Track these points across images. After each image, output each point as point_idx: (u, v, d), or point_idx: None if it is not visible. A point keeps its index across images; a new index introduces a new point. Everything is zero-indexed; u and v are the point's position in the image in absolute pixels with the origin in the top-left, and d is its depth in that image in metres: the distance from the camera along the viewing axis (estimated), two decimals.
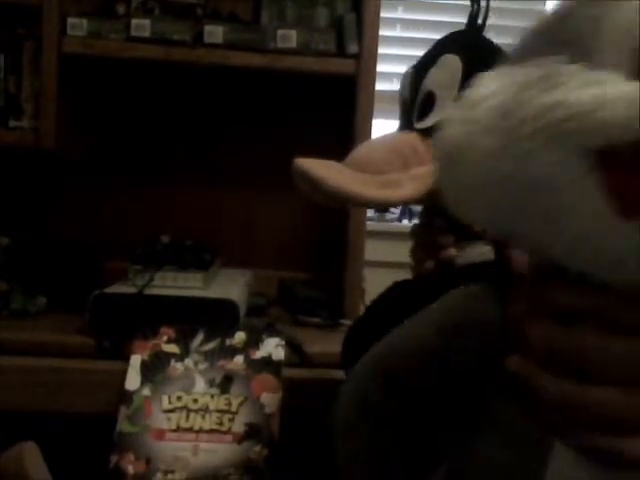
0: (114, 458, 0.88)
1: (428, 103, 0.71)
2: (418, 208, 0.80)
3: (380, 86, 1.23)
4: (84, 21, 1.21)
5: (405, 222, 1.73)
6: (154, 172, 1.42)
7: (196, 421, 0.90)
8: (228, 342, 0.97)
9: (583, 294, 0.38)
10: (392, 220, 1.77)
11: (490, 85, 0.39)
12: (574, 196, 0.35)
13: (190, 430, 0.89)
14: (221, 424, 0.90)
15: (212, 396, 0.92)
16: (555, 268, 0.39)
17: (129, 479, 0.87)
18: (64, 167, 1.38)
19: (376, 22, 1.23)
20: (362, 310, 0.90)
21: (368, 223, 1.30)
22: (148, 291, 1.04)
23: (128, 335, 0.97)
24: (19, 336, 1.03)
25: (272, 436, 0.89)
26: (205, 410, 0.91)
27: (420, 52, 0.75)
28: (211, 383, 0.93)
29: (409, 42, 1.74)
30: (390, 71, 1.66)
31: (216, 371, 0.94)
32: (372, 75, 1.23)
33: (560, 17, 0.40)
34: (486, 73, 0.39)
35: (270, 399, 0.91)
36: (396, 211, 1.76)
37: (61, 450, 0.84)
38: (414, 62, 0.75)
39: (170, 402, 0.91)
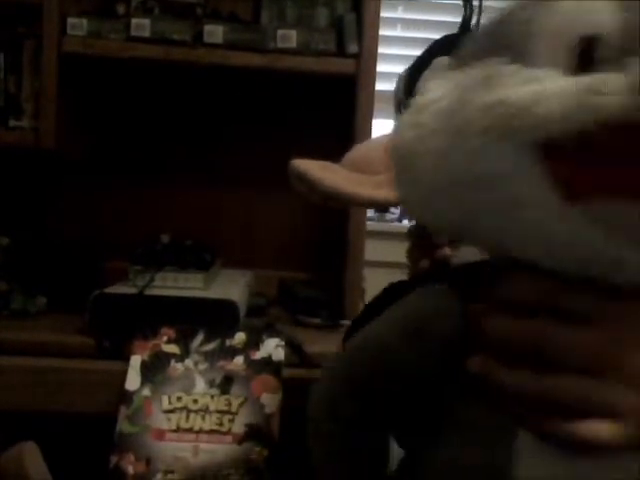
0: (114, 458, 0.88)
1: None
2: None
3: (380, 86, 1.23)
4: (84, 21, 1.21)
5: (405, 222, 1.73)
6: (154, 172, 1.42)
7: (196, 421, 0.90)
8: (228, 342, 0.97)
9: (536, 286, 0.40)
10: (392, 220, 1.77)
11: (436, 90, 0.40)
12: (523, 188, 0.36)
13: (190, 430, 0.89)
14: (221, 425, 0.90)
15: (212, 396, 0.92)
16: (510, 264, 0.41)
17: (129, 479, 0.87)
18: (64, 167, 1.38)
19: (376, 22, 1.23)
20: None
21: (368, 223, 1.30)
22: (148, 291, 1.04)
23: (128, 335, 0.97)
24: (19, 336, 1.03)
25: (272, 436, 0.89)
26: (205, 410, 0.91)
27: (420, 52, 0.75)
28: (211, 383, 0.93)
29: (409, 42, 1.74)
30: (390, 71, 1.65)
31: (216, 371, 0.94)
32: (372, 75, 1.23)
33: (500, 22, 0.41)
34: (433, 79, 0.41)
35: (270, 399, 0.91)
36: (396, 211, 1.77)
37: (61, 450, 0.84)
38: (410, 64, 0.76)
39: (170, 402, 0.91)
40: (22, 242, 1.25)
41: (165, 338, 0.97)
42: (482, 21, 0.74)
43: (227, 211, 1.43)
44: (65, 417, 0.95)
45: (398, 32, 1.80)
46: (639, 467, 0.41)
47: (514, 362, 0.40)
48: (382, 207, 1.62)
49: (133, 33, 1.21)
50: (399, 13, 1.80)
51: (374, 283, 0.93)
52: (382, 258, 1.47)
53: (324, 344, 1.03)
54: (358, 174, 0.68)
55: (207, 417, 0.90)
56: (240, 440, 0.89)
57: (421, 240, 0.73)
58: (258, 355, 0.95)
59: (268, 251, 1.44)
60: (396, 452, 0.55)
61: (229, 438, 0.89)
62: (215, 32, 1.21)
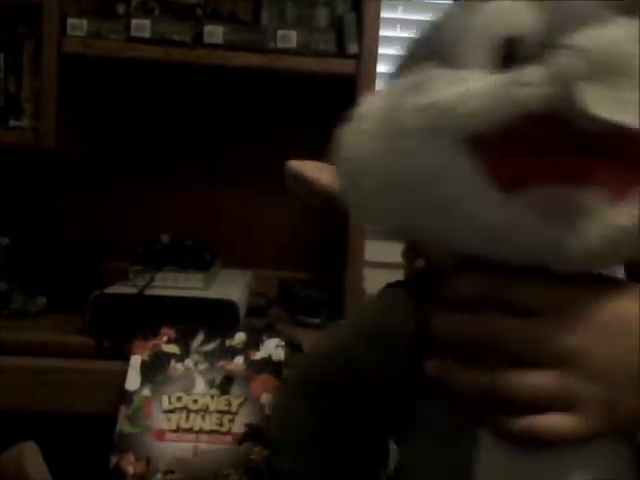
0: (114, 458, 0.88)
1: None
2: None
3: (380, 86, 1.23)
4: (84, 21, 1.21)
5: None
6: (154, 172, 1.42)
7: (196, 422, 0.90)
8: (228, 343, 0.97)
9: (478, 281, 0.41)
10: None
11: (374, 99, 0.43)
12: (459, 183, 0.38)
13: (190, 431, 0.89)
14: (221, 425, 0.90)
15: (212, 397, 0.92)
16: (458, 262, 0.41)
17: (129, 479, 0.87)
18: (64, 167, 1.38)
19: (376, 22, 1.23)
20: None
21: None
22: (148, 291, 1.04)
23: (128, 335, 0.97)
24: (19, 336, 1.03)
25: None
26: (205, 411, 0.91)
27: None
28: (211, 384, 0.93)
29: None
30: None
31: (216, 372, 0.94)
32: (372, 75, 1.23)
33: (432, 29, 0.44)
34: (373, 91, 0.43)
35: (270, 400, 0.91)
36: None
37: (61, 450, 0.84)
38: None
39: (170, 402, 0.91)
40: (22, 242, 1.25)
41: (165, 338, 0.97)
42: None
43: (227, 211, 1.43)
44: (65, 417, 0.95)
45: (398, 32, 1.79)
46: (607, 463, 0.41)
47: (468, 362, 0.40)
48: None
49: (133, 33, 1.21)
50: (399, 13, 1.80)
51: (374, 283, 0.93)
52: (382, 258, 1.47)
53: None
54: None
55: (207, 417, 0.90)
56: (240, 440, 0.89)
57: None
58: (258, 355, 0.95)
59: (268, 251, 1.44)
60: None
61: (229, 438, 0.89)
62: (215, 32, 1.21)
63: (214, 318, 1.01)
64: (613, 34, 0.36)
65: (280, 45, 1.22)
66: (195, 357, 0.95)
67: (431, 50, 0.42)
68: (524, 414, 0.38)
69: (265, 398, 0.91)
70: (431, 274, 0.45)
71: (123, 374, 0.93)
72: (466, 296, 0.41)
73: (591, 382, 0.38)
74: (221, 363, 0.95)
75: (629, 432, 0.41)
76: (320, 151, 0.73)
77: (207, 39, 1.22)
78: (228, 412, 0.91)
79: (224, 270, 1.27)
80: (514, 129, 0.36)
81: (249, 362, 0.95)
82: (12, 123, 1.25)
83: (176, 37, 1.21)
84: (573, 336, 0.38)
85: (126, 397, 0.92)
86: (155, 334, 0.97)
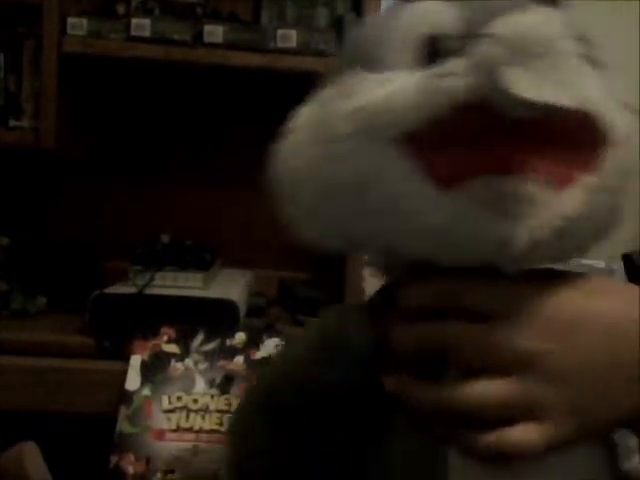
0: (114, 458, 0.88)
1: None
2: None
3: None
4: (84, 21, 1.21)
5: None
6: (154, 172, 1.42)
7: (196, 421, 0.90)
8: (228, 342, 0.97)
9: (429, 289, 0.39)
10: None
11: (305, 110, 0.43)
12: (397, 185, 0.37)
13: (190, 430, 0.89)
14: (221, 424, 0.90)
15: (212, 396, 0.92)
16: (403, 270, 0.40)
17: (129, 479, 0.87)
18: (64, 167, 1.38)
19: None
20: None
21: None
22: (148, 291, 1.04)
23: (128, 335, 0.97)
24: (19, 336, 1.03)
25: None
26: (205, 410, 0.91)
27: None
28: (211, 383, 0.93)
29: None
30: None
31: (216, 371, 0.94)
32: None
33: (358, 35, 0.44)
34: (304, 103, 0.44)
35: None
36: None
37: (61, 450, 0.84)
38: None
39: (170, 402, 0.91)
40: (22, 242, 1.25)
41: (165, 338, 0.97)
42: None
43: (227, 211, 1.43)
44: (65, 417, 0.95)
45: None
46: (583, 466, 0.40)
47: (427, 375, 0.38)
48: None
49: (133, 33, 1.21)
50: None
51: (374, 283, 0.93)
52: None
53: None
54: None
55: (207, 417, 0.90)
56: None
57: None
58: (258, 355, 0.95)
59: (268, 251, 1.44)
60: None
61: None
62: (215, 32, 1.21)
63: (214, 318, 1.01)
64: (530, 19, 0.36)
65: (280, 45, 1.22)
66: (195, 357, 0.95)
67: (358, 55, 0.42)
68: (488, 426, 0.36)
69: None
70: (392, 284, 0.43)
71: (123, 374, 0.93)
72: (419, 305, 0.39)
73: (552, 386, 0.36)
74: (221, 363, 0.95)
75: (603, 435, 0.40)
76: None
77: (207, 39, 1.22)
78: (228, 412, 0.91)
79: (224, 270, 1.27)
80: (444, 123, 0.35)
81: (249, 362, 0.95)
82: (12, 123, 1.25)
83: (176, 37, 1.21)
84: (528, 338, 0.37)
85: (126, 397, 0.92)
86: (155, 334, 0.97)
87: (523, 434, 0.36)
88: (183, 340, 0.97)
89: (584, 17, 0.44)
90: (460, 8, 0.39)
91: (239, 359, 0.95)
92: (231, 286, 1.15)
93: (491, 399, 0.36)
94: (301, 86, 0.46)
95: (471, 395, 0.37)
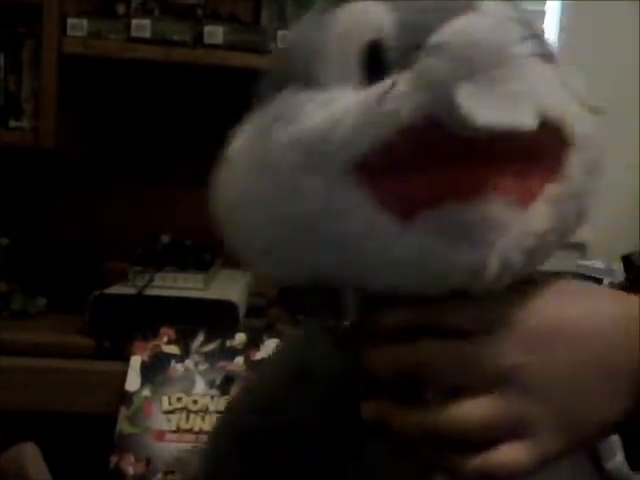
0: (114, 459, 0.88)
1: None
2: None
3: None
4: (84, 21, 1.21)
5: None
6: (154, 172, 1.42)
7: (196, 422, 0.90)
8: (228, 343, 0.97)
9: (403, 312, 0.37)
10: None
11: (242, 135, 0.39)
12: (351, 217, 0.34)
13: (190, 431, 0.90)
14: None
15: (212, 397, 0.92)
16: (370, 300, 0.38)
17: None
18: (64, 167, 1.38)
19: None
20: None
21: None
22: (148, 292, 1.04)
23: (128, 336, 0.97)
24: (19, 336, 1.03)
25: None
26: (205, 411, 0.91)
27: None
28: (211, 384, 0.93)
29: None
30: None
31: (216, 372, 0.94)
32: None
33: (289, 49, 0.41)
34: (238, 128, 0.40)
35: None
36: None
37: (61, 450, 0.84)
38: None
39: (170, 403, 0.91)
40: (22, 242, 1.25)
41: (165, 339, 0.97)
42: None
43: None
44: (65, 417, 0.95)
45: None
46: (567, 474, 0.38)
47: (406, 400, 0.36)
48: None
49: (133, 34, 1.21)
50: None
51: None
52: None
53: None
54: None
55: (207, 418, 0.90)
56: None
57: None
58: (258, 356, 0.95)
59: None
60: None
61: None
62: (215, 33, 1.21)
63: (214, 318, 1.01)
64: (478, 24, 0.32)
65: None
66: (195, 357, 0.95)
67: (291, 72, 0.38)
68: (474, 448, 0.35)
69: None
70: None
71: (123, 374, 0.94)
72: (392, 327, 0.37)
73: (535, 399, 0.35)
74: (221, 363, 0.95)
75: (591, 443, 0.39)
76: None
77: (207, 39, 1.21)
78: None
79: (224, 270, 1.27)
80: (396, 149, 0.32)
81: (249, 363, 0.95)
82: (12, 123, 1.25)
83: (176, 37, 1.21)
84: (507, 353, 0.35)
85: (126, 397, 0.92)
86: (155, 334, 0.97)
87: (509, 454, 0.35)
88: (183, 341, 0.97)
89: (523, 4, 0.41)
90: (400, 10, 0.36)
91: (239, 360, 0.95)
92: (231, 286, 1.15)
93: (476, 420, 0.35)
94: None
95: (455, 417, 0.35)
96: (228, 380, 0.93)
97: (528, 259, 0.35)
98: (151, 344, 0.96)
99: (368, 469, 0.38)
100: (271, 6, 1.30)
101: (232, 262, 1.33)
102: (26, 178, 1.39)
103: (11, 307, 1.15)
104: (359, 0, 0.37)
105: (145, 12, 1.25)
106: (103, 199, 1.42)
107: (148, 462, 0.87)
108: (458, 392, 0.36)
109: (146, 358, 0.95)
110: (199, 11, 1.26)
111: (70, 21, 1.21)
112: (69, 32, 1.21)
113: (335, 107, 0.34)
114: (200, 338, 0.97)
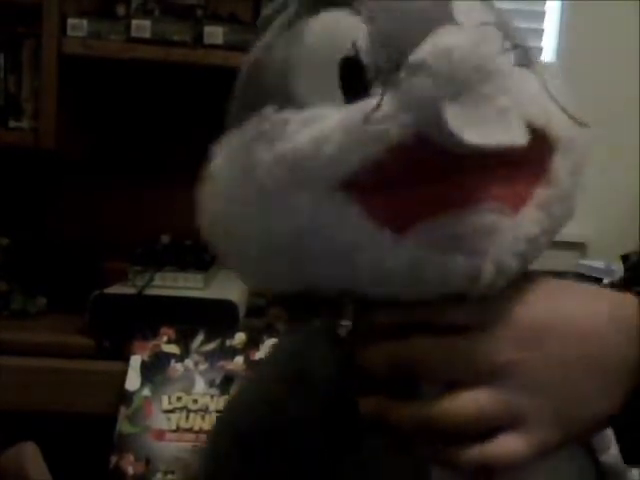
0: (114, 458, 0.88)
1: None
2: None
3: None
4: (84, 22, 1.21)
5: None
6: (154, 172, 1.42)
7: (196, 422, 0.90)
8: (228, 343, 0.97)
9: (399, 311, 0.37)
10: None
11: (221, 154, 0.40)
12: (348, 233, 0.34)
13: (190, 431, 0.90)
14: None
15: (212, 397, 0.92)
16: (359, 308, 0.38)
17: (129, 479, 0.87)
18: (64, 167, 1.38)
19: None
20: None
21: None
22: (148, 291, 1.04)
23: (128, 335, 0.97)
24: (19, 336, 1.03)
25: None
26: (205, 411, 0.91)
27: None
28: (211, 384, 0.93)
29: None
30: None
31: (216, 372, 0.94)
32: None
33: (257, 65, 0.40)
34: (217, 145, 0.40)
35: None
36: None
37: (61, 450, 0.84)
38: None
39: (170, 402, 0.91)
40: (22, 242, 1.25)
41: (165, 338, 0.97)
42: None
43: None
44: (65, 417, 0.95)
45: None
46: (564, 469, 0.39)
47: (403, 395, 0.37)
48: None
49: (133, 34, 1.21)
50: None
51: None
52: None
53: None
54: None
55: (207, 417, 0.90)
56: None
57: None
58: (258, 355, 0.95)
59: None
60: None
61: None
62: (215, 33, 1.21)
63: (214, 318, 1.01)
64: (455, 42, 0.32)
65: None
66: (195, 357, 0.95)
67: (267, 88, 0.38)
68: (470, 440, 0.35)
69: None
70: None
71: (123, 374, 0.94)
72: (388, 325, 0.38)
73: (529, 394, 0.36)
74: (221, 363, 0.95)
75: (586, 437, 0.39)
76: None
77: (207, 40, 1.22)
78: None
79: (224, 270, 1.27)
80: (385, 166, 0.33)
81: (249, 362, 0.95)
82: (12, 123, 1.25)
83: (176, 37, 1.21)
84: (501, 349, 0.36)
85: (126, 397, 0.92)
86: (155, 334, 0.97)
87: (506, 444, 0.35)
88: (183, 340, 0.97)
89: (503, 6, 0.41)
90: (374, 22, 0.36)
91: (239, 359, 0.95)
92: (231, 286, 1.15)
93: (470, 412, 0.36)
94: None
95: (449, 409, 0.36)
96: (228, 380, 0.93)
97: (521, 262, 0.36)
98: (151, 344, 0.96)
99: (366, 465, 0.39)
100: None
101: None
102: (26, 178, 1.39)
103: (11, 307, 1.15)
104: (330, 8, 0.37)
105: (145, 12, 1.26)
106: (103, 199, 1.42)
107: (148, 462, 0.87)
108: (453, 387, 0.36)
109: (146, 358, 0.95)
110: (199, 11, 1.26)
111: (70, 21, 1.21)
112: (69, 32, 1.21)
113: (319, 126, 0.34)
114: (200, 338, 0.97)
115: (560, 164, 0.37)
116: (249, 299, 1.19)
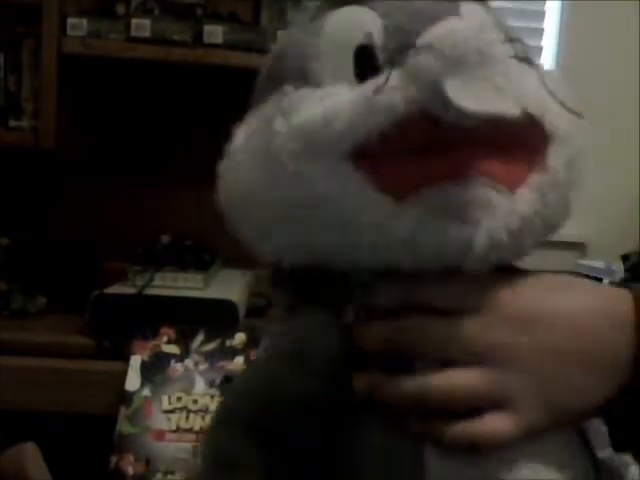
0: (114, 459, 0.88)
1: None
2: None
3: None
4: (84, 21, 1.21)
5: None
6: (154, 172, 1.42)
7: (196, 422, 0.90)
8: (228, 343, 0.97)
9: (396, 289, 0.40)
10: None
11: (243, 130, 0.43)
12: (351, 200, 0.37)
13: (190, 431, 0.90)
14: None
15: (212, 397, 0.92)
16: (369, 275, 0.40)
17: None
18: (64, 167, 1.38)
19: None
20: None
21: None
22: (148, 291, 1.04)
23: (128, 335, 0.97)
24: (19, 336, 1.03)
25: None
26: (205, 411, 0.91)
27: None
28: (211, 384, 0.93)
29: None
30: None
31: (216, 372, 0.94)
32: None
33: (280, 53, 0.44)
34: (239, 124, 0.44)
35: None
36: None
37: (61, 450, 0.84)
38: None
39: (170, 403, 0.91)
40: (22, 242, 1.25)
41: (165, 338, 0.97)
42: None
43: None
44: (65, 417, 0.95)
45: None
46: (555, 452, 0.39)
47: (396, 372, 0.39)
48: None
49: (133, 33, 1.21)
50: None
51: None
52: None
53: None
54: None
55: (207, 417, 0.90)
56: None
57: None
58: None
59: None
60: None
61: None
62: (215, 32, 1.21)
63: (214, 318, 1.01)
64: (459, 28, 0.35)
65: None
66: (195, 357, 0.95)
67: (288, 71, 0.42)
68: (459, 417, 0.37)
69: None
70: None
71: (123, 374, 0.94)
72: (386, 305, 0.40)
73: (519, 376, 0.37)
74: (221, 363, 0.95)
75: (575, 423, 0.40)
76: None
77: (207, 39, 1.21)
78: None
79: (224, 270, 1.27)
80: (390, 136, 0.35)
81: (249, 362, 0.95)
82: (12, 123, 1.25)
83: (176, 37, 1.21)
84: (494, 331, 0.38)
85: (126, 397, 0.92)
86: (155, 334, 0.97)
87: (492, 423, 0.37)
88: (183, 340, 0.97)
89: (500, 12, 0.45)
90: (388, 16, 0.39)
91: (239, 359, 0.95)
92: (231, 286, 1.15)
93: (461, 389, 0.37)
94: None
95: (440, 385, 0.37)
96: (228, 380, 0.93)
97: (514, 240, 0.38)
98: (151, 344, 0.96)
99: (360, 441, 0.40)
100: (271, 6, 1.30)
101: (232, 262, 1.34)
102: (26, 178, 1.39)
103: (11, 307, 1.15)
104: (349, 5, 0.41)
105: (145, 12, 1.26)
106: (103, 199, 1.42)
107: (148, 462, 0.87)
108: (446, 366, 0.38)
109: (146, 358, 0.95)
110: (199, 11, 1.26)
111: (70, 21, 1.21)
112: (69, 32, 1.21)
113: (332, 101, 0.37)
114: (200, 338, 0.97)
115: (556, 155, 0.39)
116: (249, 299, 1.19)
